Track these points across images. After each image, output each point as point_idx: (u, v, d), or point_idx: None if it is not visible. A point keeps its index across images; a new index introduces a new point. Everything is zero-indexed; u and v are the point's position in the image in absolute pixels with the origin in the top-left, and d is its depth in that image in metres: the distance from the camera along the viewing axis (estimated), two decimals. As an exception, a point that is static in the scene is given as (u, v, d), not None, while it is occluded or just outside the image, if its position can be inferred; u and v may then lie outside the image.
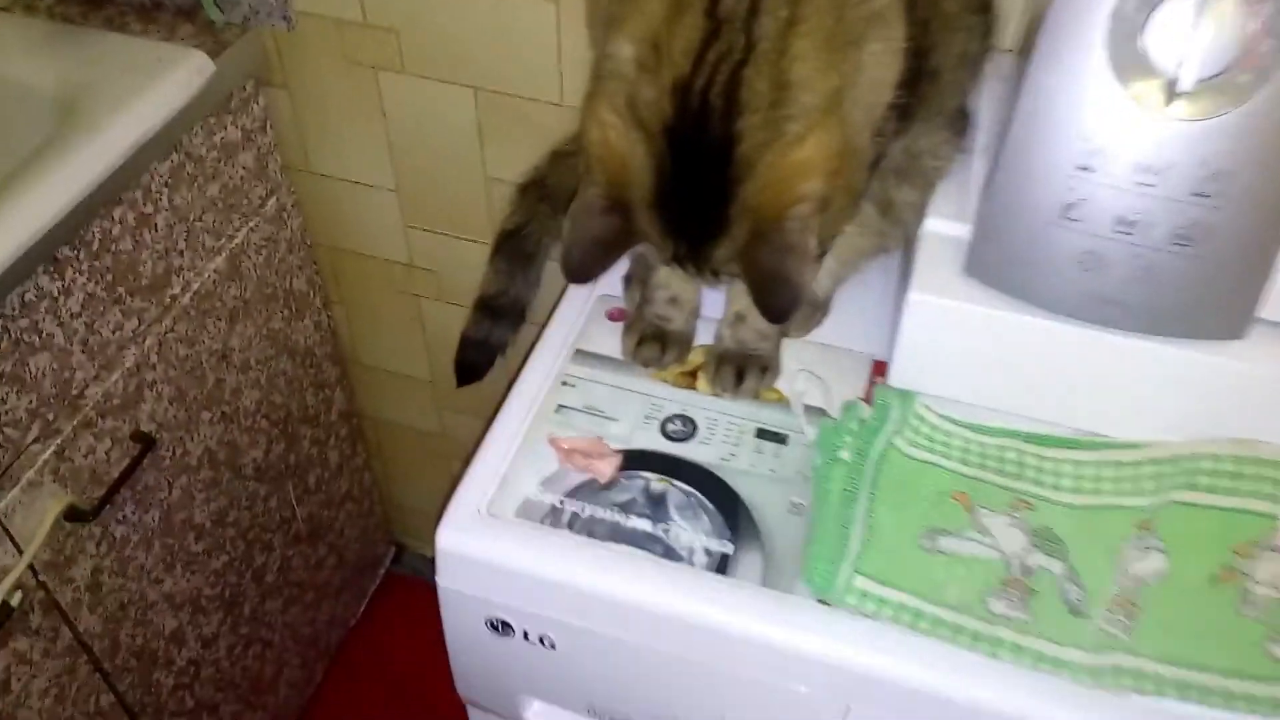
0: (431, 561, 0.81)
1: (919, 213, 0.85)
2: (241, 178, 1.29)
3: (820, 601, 0.75)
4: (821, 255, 0.76)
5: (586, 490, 0.81)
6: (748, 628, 0.75)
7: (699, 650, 0.77)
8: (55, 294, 1.05)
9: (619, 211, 0.71)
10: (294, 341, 1.48)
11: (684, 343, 0.90)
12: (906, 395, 0.84)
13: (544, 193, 1.04)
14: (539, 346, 0.92)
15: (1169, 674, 0.69)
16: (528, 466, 0.83)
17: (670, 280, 0.87)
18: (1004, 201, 0.74)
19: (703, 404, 0.87)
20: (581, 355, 0.91)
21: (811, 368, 0.89)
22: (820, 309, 0.92)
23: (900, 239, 0.88)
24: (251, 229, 1.33)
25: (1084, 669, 0.70)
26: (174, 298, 1.23)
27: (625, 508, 0.80)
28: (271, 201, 1.35)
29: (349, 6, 1.21)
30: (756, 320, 0.86)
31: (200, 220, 1.24)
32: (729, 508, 0.80)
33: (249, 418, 1.41)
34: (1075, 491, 0.80)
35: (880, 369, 0.89)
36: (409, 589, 1.88)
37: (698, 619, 0.75)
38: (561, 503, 0.81)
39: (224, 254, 1.29)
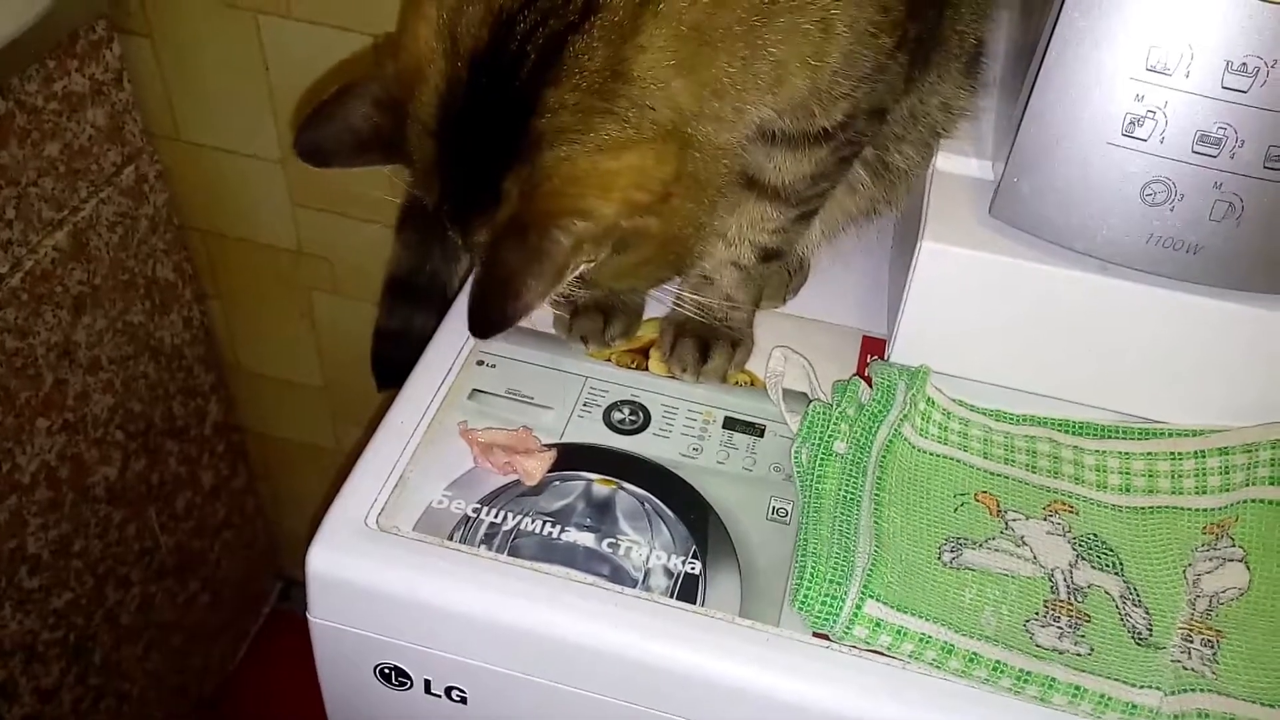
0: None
1: (922, 169, 0.69)
2: (90, 138, 1.08)
3: (818, 635, 0.57)
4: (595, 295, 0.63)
5: (509, 495, 0.63)
6: (722, 671, 0.57)
7: (657, 702, 0.59)
8: None
9: (391, 116, 0.57)
10: (158, 340, 1.26)
11: (632, 313, 0.72)
12: (916, 373, 0.67)
13: (415, 294, 0.88)
14: (448, 319, 0.74)
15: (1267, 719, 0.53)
16: (431, 466, 0.64)
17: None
18: (1045, 117, 0.58)
19: (657, 388, 0.69)
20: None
21: (790, 345, 0.72)
22: (800, 271, 0.75)
23: (896, 201, 0.72)
24: (102, 201, 1.12)
25: (1162, 715, 0.54)
26: (0, 278, 1.01)
27: (559, 517, 0.62)
28: (129, 170, 1.15)
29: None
30: (727, 283, 0.69)
31: (35, 185, 1.03)
32: (693, 515, 0.62)
33: (99, 428, 1.19)
34: (1125, 491, 0.64)
35: (873, 347, 0.73)
36: (298, 629, 1.64)
37: (656, 662, 0.57)
38: (476, 511, 0.62)
39: (66, 228, 1.08)
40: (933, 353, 0.67)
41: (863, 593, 0.56)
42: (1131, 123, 0.56)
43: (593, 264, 0.55)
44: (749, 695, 0.56)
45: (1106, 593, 0.59)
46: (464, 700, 0.62)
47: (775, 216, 0.65)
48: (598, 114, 0.51)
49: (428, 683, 0.62)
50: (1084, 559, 0.60)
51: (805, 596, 0.57)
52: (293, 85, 1.11)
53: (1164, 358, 0.64)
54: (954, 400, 0.67)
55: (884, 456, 0.63)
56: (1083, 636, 0.57)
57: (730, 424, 0.67)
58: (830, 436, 0.64)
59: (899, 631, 0.56)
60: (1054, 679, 0.55)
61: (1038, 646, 0.56)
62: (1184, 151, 0.56)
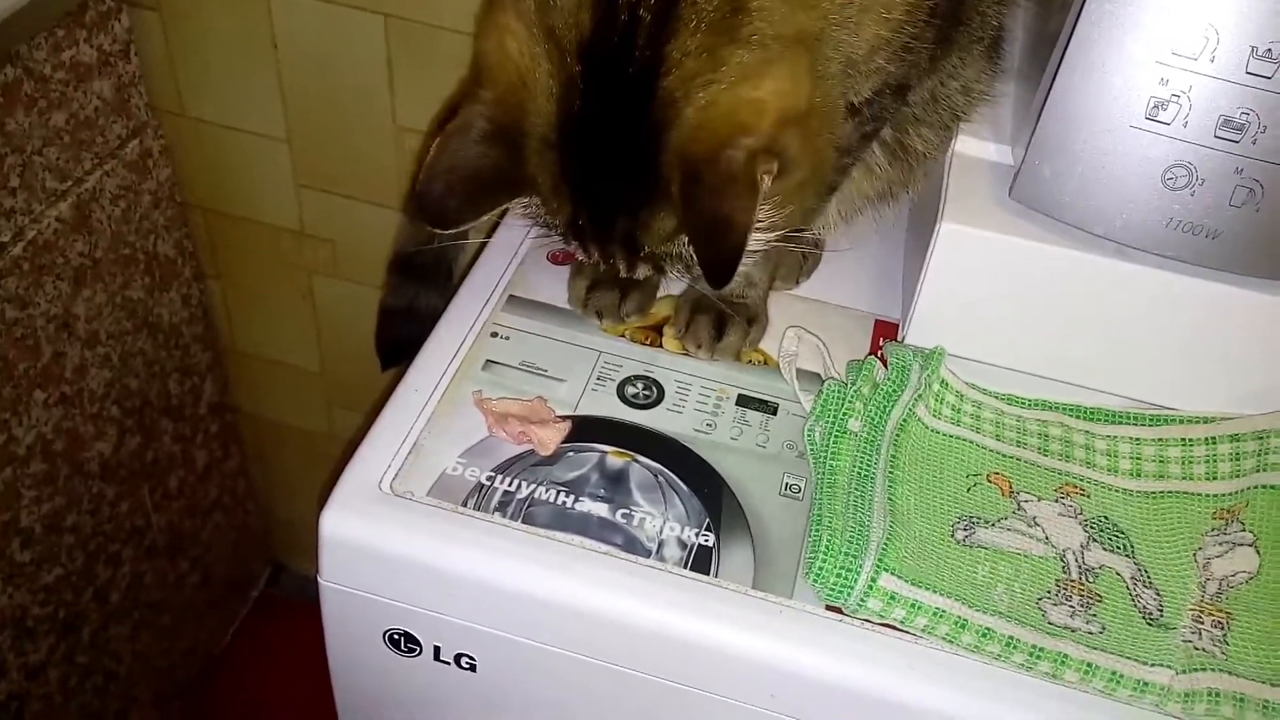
0: (315, 582, 0.61)
1: (940, 152, 0.69)
2: (96, 110, 1.07)
3: (831, 609, 0.57)
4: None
5: (523, 464, 0.63)
6: (734, 642, 0.57)
7: (667, 672, 0.59)
8: None
9: (506, 144, 0.55)
10: (156, 316, 1.25)
11: (647, 290, 0.72)
12: (931, 354, 0.67)
13: (421, 271, 0.88)
14: (462, 292, 0.73)
15: (1277, 699, 0.54)
16: (446, 433, 0.64)
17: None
18: (1069, 100, 0.58)
19: (670, 364, 0.69)
20: (516, 302, 0.72)
21: (803, 326, 0.72)
22: (814, 253, 0.75)
23: (913, 185, 0.73)
24: (106, 173, 1.11)
25: (1173, 694, 0.54)
26: (2, 246, 1.00)
27: (574, 487, 0.62)
28: (134, 144, 1.14)
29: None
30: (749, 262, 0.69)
31: (40, 155, 1.02)
32: (707, 489, 0.62)
33: (96, 403, 1.18)
34: (1135, 475, 0.64)
35: (886, 331, 0.73)
36: (286, 613, 1.64)
37: (668, 632, 0.57)
38: (490, 479, 0.62)
39: (70, 200, 1.07)
40: (947, 335, 0.68)
41: (877, 566, 0.56)
42: (1155, 106, 0.57)
43: (769, 184, 0.52)
44: (761, 667, 0.56)
45: (1117, 574, 0.59)
46: (473, 668, 0.62)
47: None
48: (725, 47, 0.50)
49: (437, 649, 0.62)
50: (1095, 540, 0.61)
51: (819, 569, 0.57)
52: (302, 62, 1.11)
53: (1178, 344, 0.64)
54: (967, 384, 0.68)
55: (898, 435, 0.64)
56: (1094, 615, 0.57)
57: (744, 401, 0.67)
58: (844, 415, 0.64)
59: (913, 605, 0.56)
60: (1066, 655, 0.55)
61: (1050, 624, 0.56)
62: (1206, 136, 0.56)
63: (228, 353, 1.43)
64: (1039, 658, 0.55)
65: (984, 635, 0.56)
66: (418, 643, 0.62)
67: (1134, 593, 0.59)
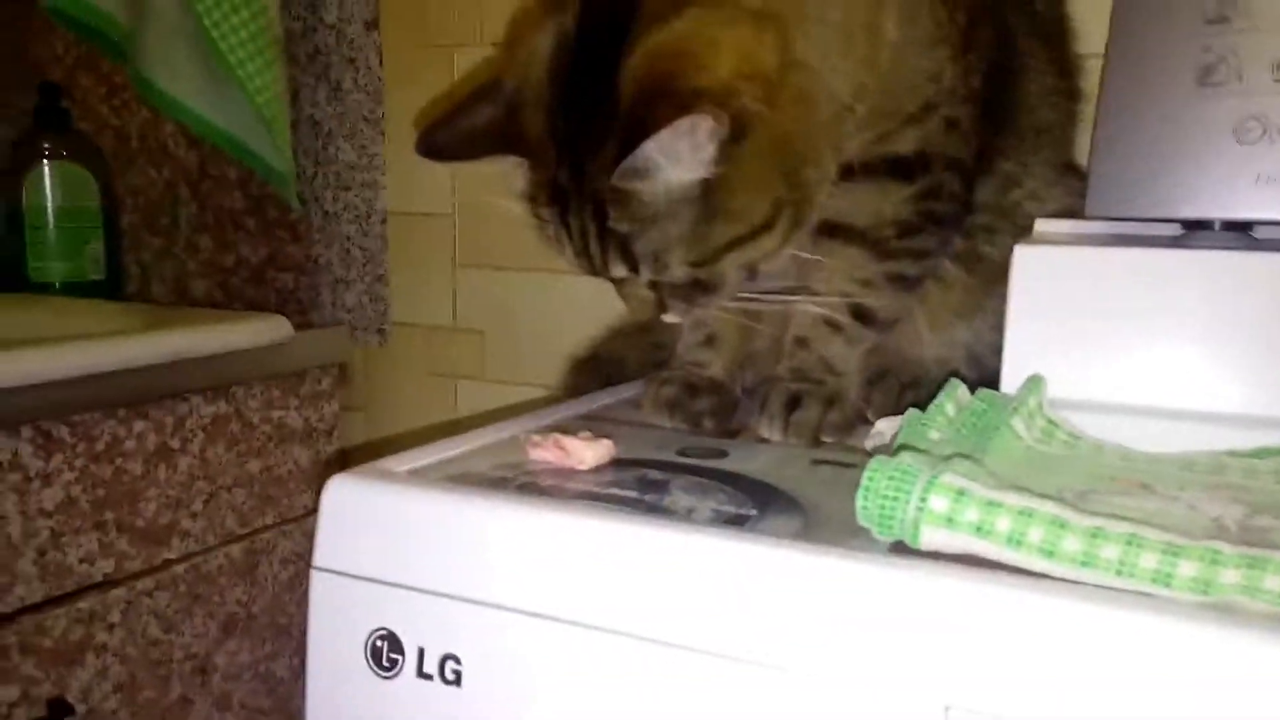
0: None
1: None
2: (289, 472, 1.18)
3: (895, 552, 0.44)
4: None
5: (555, 472, 0.56)
6: (777, 592, 0.44)
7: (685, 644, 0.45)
8: (31, 473, 0.91)
9: (507, 103, 0.61)
10: (294, 707, 1.21)
11: (721, 395, 0.68)
12: (1028, 381, 0.58)
13: (597, 367, 0.91)
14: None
15: None
16: (484, 456, 0.59)
17: (708, 317, 0.69)
18: (1123, 96, 0.58)
19: (737, 443, 0.63)
20: (587, 417, 0.70)
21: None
22: (915, 387, 0.69)
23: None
24: (283, 534, 1.18)
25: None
26: (167, 562, 1.05)
27: (605, 485, 0.54)
28: (314, 519, 1.21)
29: (441, 312, 1.21)
30: (821, 343, 0.65)
31: (229, 492, 1.11)
32: (761, 494, 0.53)
33: (208, 779, 1.10)
34: (1318, 484, 0.49)
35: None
36: None
37: (693, 584, 0.45)
38: (513, 475, 0.55)
39: (242, 545, 1.13)
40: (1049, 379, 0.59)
41: (941, 470, 0.44)
42: (1205, 70, 0.56)
43: (720, 143, 0.53)
44: (809, 620, 0.43)
45: (1298, 530, 0.43)
46: (457, 679, 0.49)
47: (863, 265, 0.64)
48: (690, 3, 0.55)
49: (421, 655, 0.50)
50: (1262, 513, 0.46)
51: (867, 489, 0.45)
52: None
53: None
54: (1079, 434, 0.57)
55: (989, 442, 0.53)
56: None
57: (820, 462, 0.59)
58: (925, 427, 0.55)
59: (989, 504, 0.43)
60: (1218, 552, 0.39)
61: (1218, 551, 0.40)
62: (1266, 81, 0.54)
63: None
64: (1217, 563, 0.39)
65: (1095, 536, 0.41)
66: (401, 650, 0.51)
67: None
